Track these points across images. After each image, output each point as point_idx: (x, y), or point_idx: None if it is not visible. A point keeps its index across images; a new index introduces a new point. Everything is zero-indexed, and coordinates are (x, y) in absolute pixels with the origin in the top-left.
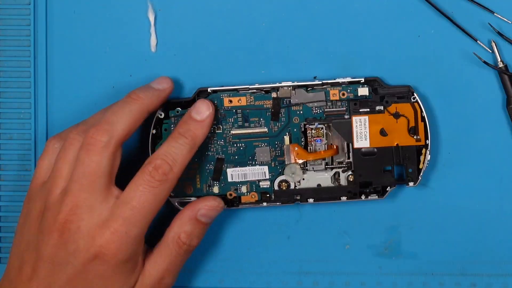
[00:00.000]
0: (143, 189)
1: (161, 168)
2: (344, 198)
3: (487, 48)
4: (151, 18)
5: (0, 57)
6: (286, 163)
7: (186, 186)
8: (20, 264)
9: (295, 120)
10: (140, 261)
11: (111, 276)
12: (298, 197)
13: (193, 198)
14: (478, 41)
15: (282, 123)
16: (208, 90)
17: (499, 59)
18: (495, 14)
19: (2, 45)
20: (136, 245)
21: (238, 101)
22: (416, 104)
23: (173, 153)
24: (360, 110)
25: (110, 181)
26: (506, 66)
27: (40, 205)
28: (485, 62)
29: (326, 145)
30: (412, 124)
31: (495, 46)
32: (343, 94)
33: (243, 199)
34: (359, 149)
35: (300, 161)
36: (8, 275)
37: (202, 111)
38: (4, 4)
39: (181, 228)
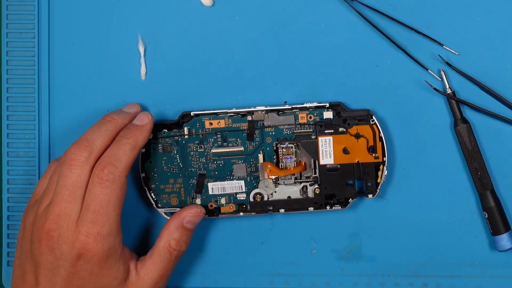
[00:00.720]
0: (96, 192)
1: (106, 168)
2: (311, 209)
3: (437, 77)
4: (141, 50)
5: (8, 85)
6: (260, 179)
7: (172, 198)
8: (22, 273)
9: (268, 140)
10: (122, 253)
11: (100, 272)
12: (271, 208)
13: (178, 209)
14: (429, 70)
15: (257, 142)
16: (191, 114)
17: (447, 86)
18: (444, 46)
19: (10, 73)
20: (111, 241)
21: (217, 124)
22: (374, 126)
23: (116, 154)
24: (325, 131)
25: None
26: (453, 93)
27: (33, 217)
28: (435, 89)
29: (295, 162)
30: (371, 143)
31: (444, 75)
32: (310, 117)
33: (223, 209)
34: (325, 165)
35: (273, 177)
36: (15, 284)
37: (143, 118)
38: (11, 38)
39: (170, 236)
